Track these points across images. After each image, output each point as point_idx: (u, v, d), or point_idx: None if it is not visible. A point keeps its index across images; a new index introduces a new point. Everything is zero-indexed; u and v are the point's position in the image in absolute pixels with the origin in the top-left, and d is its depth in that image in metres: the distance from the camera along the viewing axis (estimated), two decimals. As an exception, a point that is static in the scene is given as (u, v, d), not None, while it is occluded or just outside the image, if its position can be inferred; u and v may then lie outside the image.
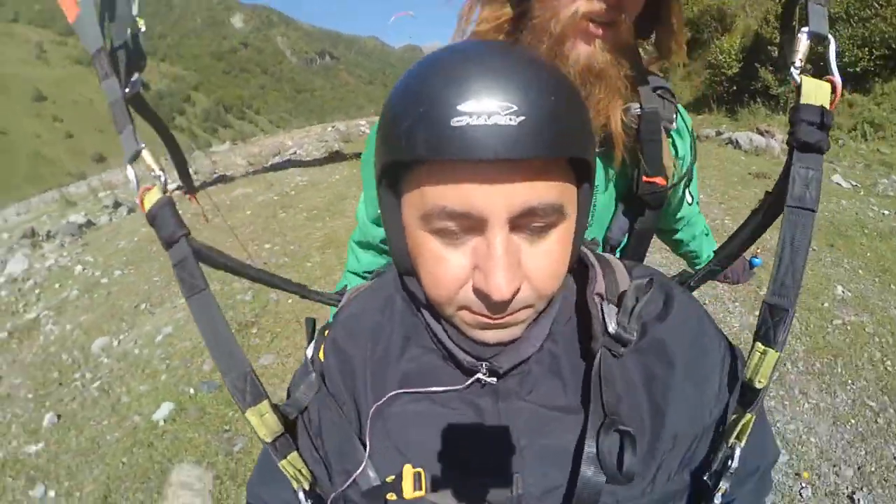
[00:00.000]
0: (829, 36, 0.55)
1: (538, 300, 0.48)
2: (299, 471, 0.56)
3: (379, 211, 0.53)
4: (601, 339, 0.53)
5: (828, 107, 0.53)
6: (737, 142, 8.18)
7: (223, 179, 10.45)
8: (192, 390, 3.36)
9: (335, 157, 11.03)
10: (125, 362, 3.94)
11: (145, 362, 3.86)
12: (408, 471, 0.52)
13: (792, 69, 0.55)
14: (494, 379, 0.53)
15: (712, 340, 0.58)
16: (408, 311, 0.59)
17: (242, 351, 0.56)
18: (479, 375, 0.53)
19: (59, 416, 3.45)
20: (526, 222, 0.44)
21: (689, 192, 1.15)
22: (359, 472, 0.53)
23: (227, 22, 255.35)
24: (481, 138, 0.39)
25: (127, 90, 0.61)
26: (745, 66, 10.23)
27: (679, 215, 1.17)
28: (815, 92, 0.54)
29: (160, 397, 3.36)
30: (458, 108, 0.40)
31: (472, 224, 0.44)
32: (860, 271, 4.03)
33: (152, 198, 0.59)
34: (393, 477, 0.52)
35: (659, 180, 0.91)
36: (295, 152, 12.32)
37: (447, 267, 0.46)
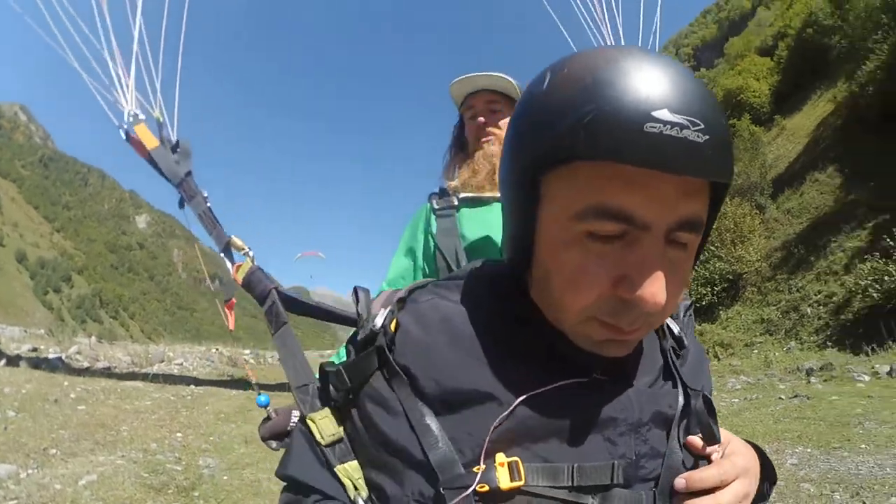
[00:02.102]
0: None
1: (663, 316, 0.48)
2: (358, 480, 0.53)
3: (506, 209, 0.53)
4: (668, 339, 0.61)
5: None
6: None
7: (108, 371, 9.68)
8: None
9: (225, 379, 10.77)
10: (46, 492, 3.54)
11: (72, 499, 3.53)
12: (501, 459, 0.48)
13: None
14: (605, 377, 0.52)
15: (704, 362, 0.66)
16: (498, 311, 0.56)
17: (311, 369, 0.67)
18: (595, 375, 0.52)
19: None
20: (676, 236, 0.44)
21: None
22: (437, 460, 0.48)
23: (132, 219, 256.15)
24: (671, 151, 0.39)
25: (208, 204, 0.83)
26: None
27: None
28: None
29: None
30: (653, 114, 0.39)
31: (632, 229, 0.43)
32: (714, 437, 5.20)
33: (245, 268, 0.78)
34: (482, 466, 0.47)
35: None
36: (181, 363, 11.97)
37: (592, 273, 0.44)
